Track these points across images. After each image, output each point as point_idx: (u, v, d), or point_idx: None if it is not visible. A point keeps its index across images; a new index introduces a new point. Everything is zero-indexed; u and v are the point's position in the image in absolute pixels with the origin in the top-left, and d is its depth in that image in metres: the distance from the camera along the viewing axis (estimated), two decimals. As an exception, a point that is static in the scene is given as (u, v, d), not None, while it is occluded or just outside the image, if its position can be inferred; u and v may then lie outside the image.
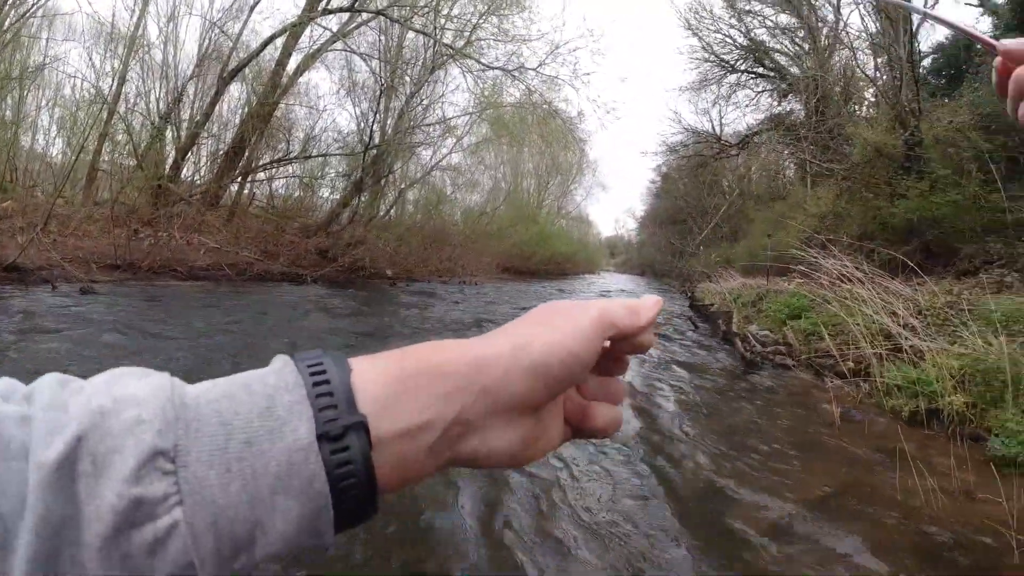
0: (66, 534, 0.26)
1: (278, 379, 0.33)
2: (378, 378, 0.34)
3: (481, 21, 19.12)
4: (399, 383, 0.34)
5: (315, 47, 17.87)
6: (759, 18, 23.49)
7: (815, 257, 7.64)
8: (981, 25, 13.09)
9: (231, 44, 17.09)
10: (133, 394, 0.30)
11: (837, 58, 20.17)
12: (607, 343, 0.41)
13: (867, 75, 17.15)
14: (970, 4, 13.58)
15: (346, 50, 19.48)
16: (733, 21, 23.94)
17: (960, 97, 10.92)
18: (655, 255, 38.23)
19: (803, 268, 7.98)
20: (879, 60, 15.58)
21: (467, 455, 0.37)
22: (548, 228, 36.90)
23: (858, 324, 5.67)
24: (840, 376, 5.43)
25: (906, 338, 5.26)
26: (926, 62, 15.19)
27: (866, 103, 19.11)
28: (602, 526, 2.66)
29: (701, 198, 28.50)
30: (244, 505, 0.29)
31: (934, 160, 9.93)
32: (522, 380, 0.36)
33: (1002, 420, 3.60)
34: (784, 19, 22.75)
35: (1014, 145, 8.56)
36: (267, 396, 0.32)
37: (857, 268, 6.86)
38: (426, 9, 17.76)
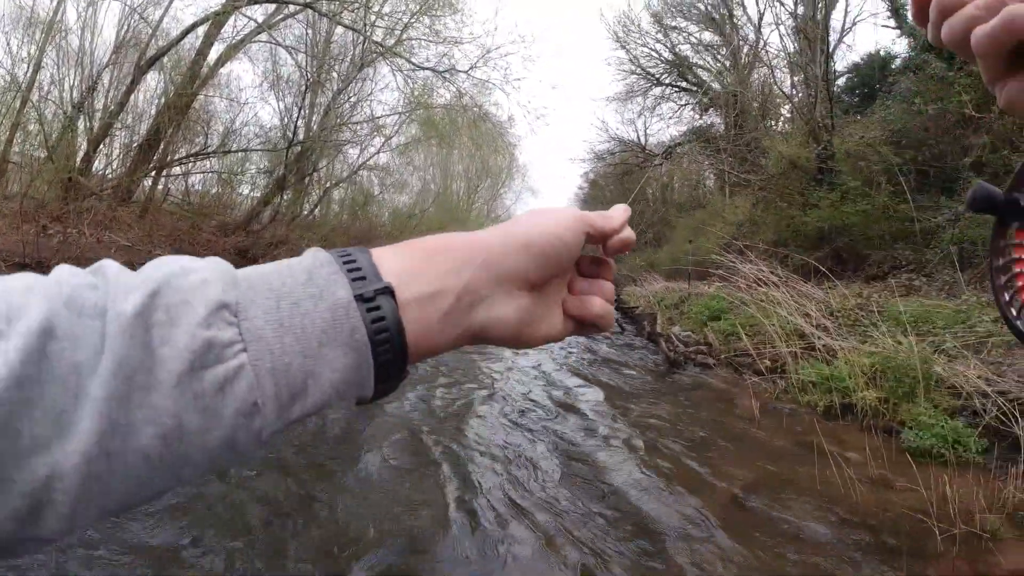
0: (139, 379, 0.29)
1: (313, 260, 0.37)
2: (395, 259, 0.39)
3: (412, 21, 18.81)
4: (413, 261, 0.39)
5: (238, 37, 17.07)
6: (684, 34, 24.37)
7: (733, 262, 7.87)
8: (898, 47, 13.86)
9: (150, 31, 16.12)
10: (194, 265, 0.33)
11: (756, 75, 21.14)
12: (599, 253, 0.49)
13: (784, 92, 18.04)
14: (887, 26, 14.47)
15: (271, 42, 18.70)
16: (659, 36, 24.75)
17: (872, 114, 11.59)
18: (582, 260, 38.64)
19: (722, 272, 8.22)
20: (796, 78, 16.38)
21: (479, 325, 0.41)
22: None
23: (774, 325, 5.85)
24: (758, 373, 5.58)
25: (819, 337, 5.47)
26: (841, 81, 16.10)
27: (782, 118, 20.10)
28: (537, 517, 2.62)
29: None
30: (298, 356, 0.33)
31: (845, 172, 10.48)
32: (516, 256, 0.42)
33: (915, 414, 3.75)
34: (708, 36, 23.70)
35: (923, 159, 9.12)
36: (306, 271, 0.36)
37: (772, 272, 7.10)
38: (356, 5, 17.27)
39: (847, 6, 15.11)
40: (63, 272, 0.31)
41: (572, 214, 0.45)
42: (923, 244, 8.32)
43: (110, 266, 0.33)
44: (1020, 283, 0.40)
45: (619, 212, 0.49)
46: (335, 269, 0.36)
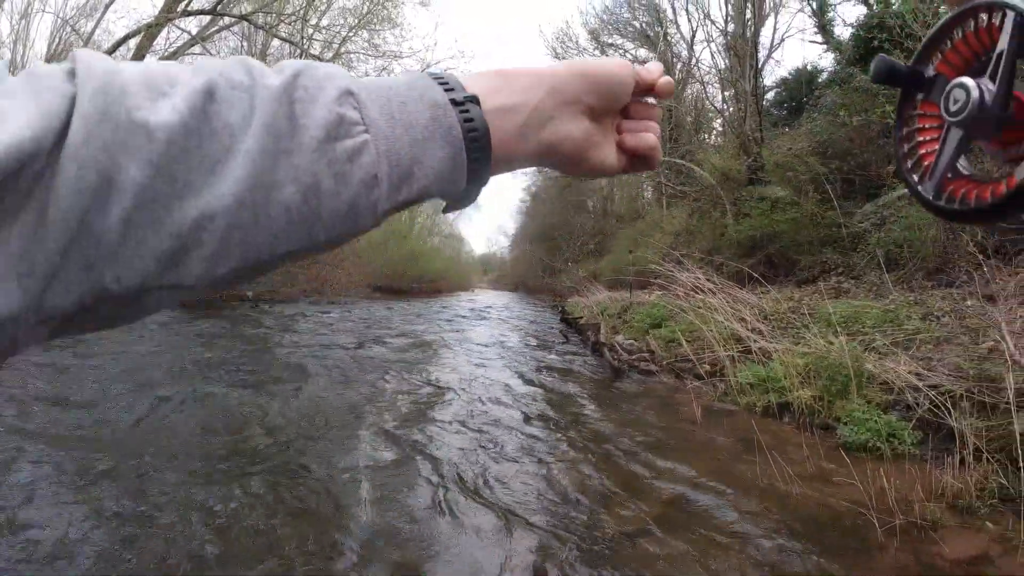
0: (283, 143, 0.33)
1: (408, 75, 0.42)
2: (476, 79, 0.44)
3: (351, 34, 18.59)
4: (490, 81, 0.44)
5: (171, 50, 16.41)
6: (620, 51, 24.92)
7: (671, 271, 7.96)
8: (824, 61, 14.38)
9: (82, 44, 15.38)
10: (320, 63, 0.38)
11: (689, 91, 21.75)
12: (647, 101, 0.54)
13: (716, 107, 18.64)
14: (815, 42, 15.10)
15: (205, 55, 18.08)
16: (596, 53, 25.23)
17: (800, 126, 12.01)
18: (527, 271, 38.79)
19: (662, 281, 8.30)
20: (727, 93, 16.93)
21: (549, 141, 0.46)
22: (419, 247, 36.42)
23: (711, 330, 5.92)
24: (699, 378, 5.62)
25: (754, 340, 5.56)
26: (769, 95, 16.64)
27: (715, 132, 20.72)
28: (482, 520, 2.58)
29: (568, 217, 29.46)
30: (406, 144, 0.38)
31: (775, 182, 10.79)
32: (577, 83, 0.47)
33: (849, 410, 3.81)
34: (643, 53, 24.29)
35: (849, 168, 9.50)
36: (406, 81, 0.41)
37: (708, 280, 7.23)
38: (293, 18, 16.94)
39: (775, 23, 15.74)
40: (207, 58, 0.35)
41: (625, 61, 0.50)
42: (850, 248, 8.63)
43: (249, 58, 0.36)
44: (922, 151, 0.41)
45: (656, 65, 0.54)
46: (429, 81, 0.41)
